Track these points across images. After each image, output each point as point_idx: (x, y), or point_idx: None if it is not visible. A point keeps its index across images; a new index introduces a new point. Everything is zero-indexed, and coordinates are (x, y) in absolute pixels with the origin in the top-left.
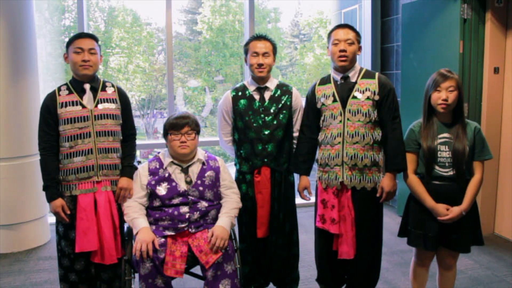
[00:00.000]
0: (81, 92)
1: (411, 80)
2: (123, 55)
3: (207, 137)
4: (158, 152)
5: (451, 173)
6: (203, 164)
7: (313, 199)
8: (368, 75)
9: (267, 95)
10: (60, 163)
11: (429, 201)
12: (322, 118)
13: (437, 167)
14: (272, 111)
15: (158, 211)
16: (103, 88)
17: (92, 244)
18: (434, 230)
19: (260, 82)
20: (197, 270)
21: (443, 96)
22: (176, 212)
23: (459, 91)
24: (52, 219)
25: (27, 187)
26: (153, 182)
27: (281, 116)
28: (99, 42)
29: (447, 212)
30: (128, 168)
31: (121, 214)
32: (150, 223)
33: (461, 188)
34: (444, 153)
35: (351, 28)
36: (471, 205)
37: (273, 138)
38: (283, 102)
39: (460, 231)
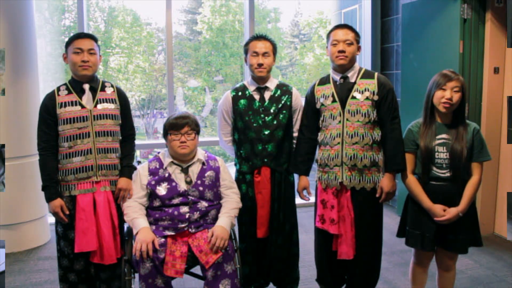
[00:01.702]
0: (80, 92)
1: (411, 80)
2: (123, 55)
3: (207, 137)
4: (158, 152)
5: (448, 174)
6: (203, 164)
7: (313, 199)
8: (367, 75)
9: (267, 95)
10: (59, 163)
11: (426, 201)
12: (321, 118)
13: (434, 168)
14: (272, 111)
15: (158, 211)
16: (102, 88)
17: (91, 244)
18: (431, 230)
19: (260, 82)
20: (197, 270)
21: (447, 95)
22: (176, 212)
23: (463, 93)
24: (52, 219)
25: (27, 187)
26: (153, 182)
27: (281, 116)
28: (99, 42)
29: (444, 213)
30: (127, 169)
31: (120, 214)
32: (150, 223)
33: (458, 189)
34: (442, 154)
35: (350, 28)
36: (468, 206)
37: (273, 138)
38: (283, 102)
39: (457, 232)
